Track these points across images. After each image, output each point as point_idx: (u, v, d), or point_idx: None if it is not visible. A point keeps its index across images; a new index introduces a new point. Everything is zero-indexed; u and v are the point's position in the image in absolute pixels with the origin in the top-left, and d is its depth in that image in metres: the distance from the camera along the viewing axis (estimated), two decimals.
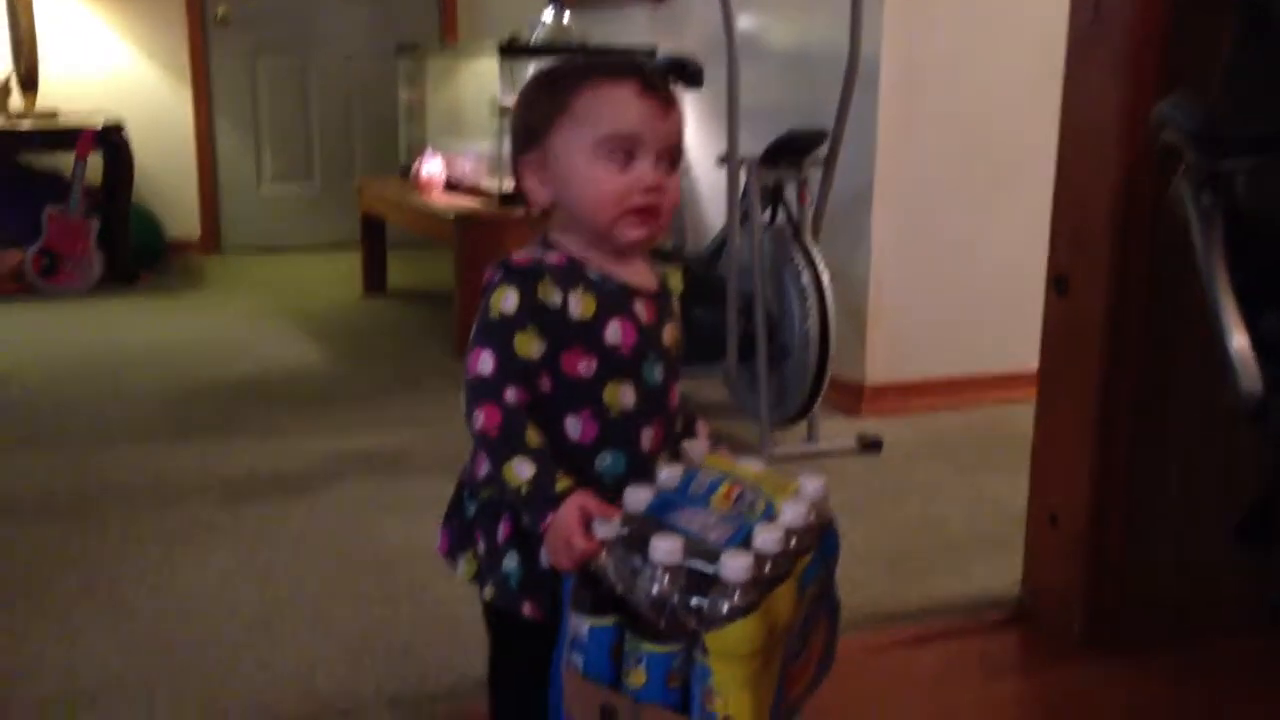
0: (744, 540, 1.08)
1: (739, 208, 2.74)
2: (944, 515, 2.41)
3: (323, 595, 1.99)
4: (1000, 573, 2.09)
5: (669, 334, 1.21)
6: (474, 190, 4.02)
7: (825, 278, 2.69)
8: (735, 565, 1.04)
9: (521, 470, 1.10)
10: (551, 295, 1.13)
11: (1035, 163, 2.21)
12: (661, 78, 1.17)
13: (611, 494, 1.14)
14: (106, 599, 1.97)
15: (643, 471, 1.18)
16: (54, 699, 1.66)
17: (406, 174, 4.44)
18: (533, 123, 1.18)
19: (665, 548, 1.06)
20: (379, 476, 2.58)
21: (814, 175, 2.79)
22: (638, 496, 1.14)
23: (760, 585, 1.06)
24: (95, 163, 4.62)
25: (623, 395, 1.16)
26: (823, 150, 2.77)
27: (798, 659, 1.15)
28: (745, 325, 2.74)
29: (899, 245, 3.06)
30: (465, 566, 1.21)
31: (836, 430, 2.91)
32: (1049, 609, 1.92)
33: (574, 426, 1.16)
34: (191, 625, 1.88)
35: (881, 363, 3.10)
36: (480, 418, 1.11)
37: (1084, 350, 1.81)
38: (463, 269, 3.64)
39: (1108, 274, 1.75)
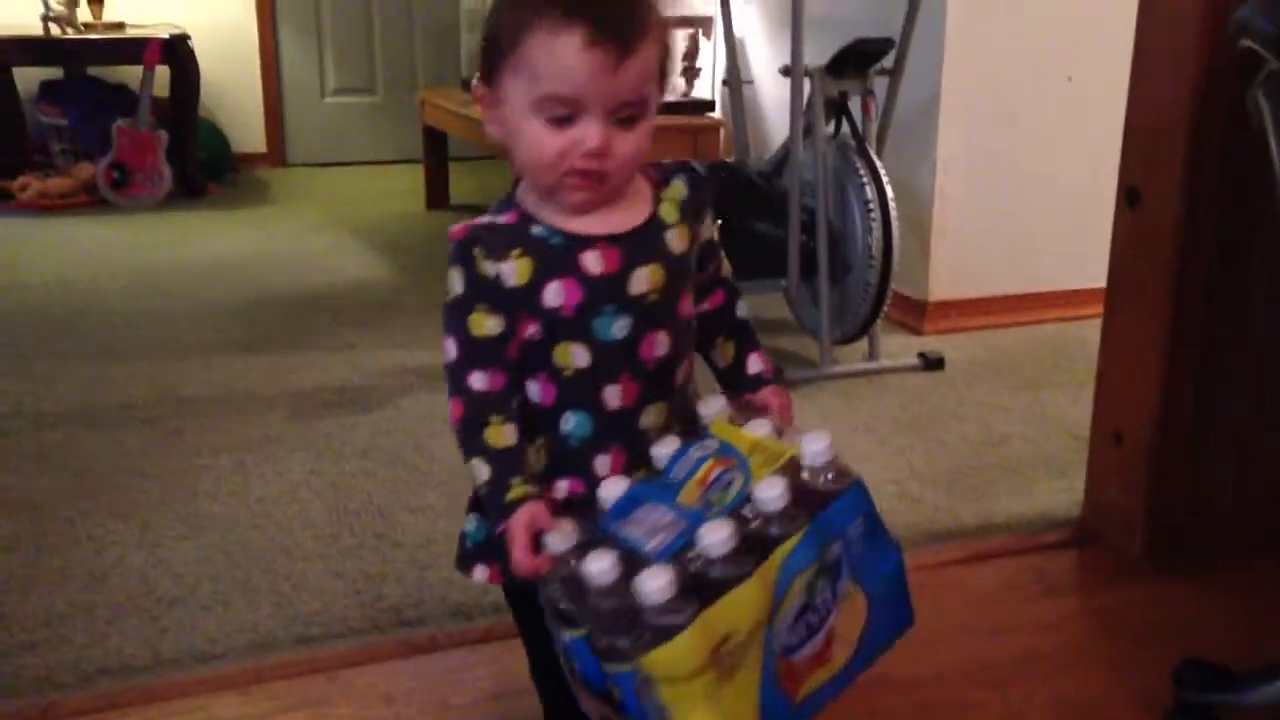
0: (685, 546, 1.00)
1: (802, 119, 2.70)
2: (1005, 434, 2.39)
3: (389, 507, 2.04)
4: (1061, 493, 2.09)
5: (643, 279, 1.09)
6: None
7: (889, 192, 2.65)
8: (649, 589, 0.96)
9: (480, 471, 1.07)
10: (486, 267, 1.07)
11: (1107, 73, 2.15)
12: (627, 16, 1.02)
13: (582, 458, 1.11)
14: (183, 507, 2.04)
15: (614, 431, 1.11)
16: (135, 602, 1.73)
17: (468, 86, 4.42)
18: (490, 49, 1.07)
19: (596, 568, 0.99)
20: (442, 390, 2.59)
21: (879, 86, 2.74)
22: (610, 491, 1.08)
23: (694, 597, 0.98)
24: (162, 76, 4.66)
25: (574, 355, 1.09)
26: (889, 60, 2.71)
27: (803, 649, 1.06)
28: (807, 241, 2.72)
29: (965, 159, 3.00)
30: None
31: (898, 347, 2.89)
32: (1111, 528, 1.92)
33: (534, 389, 1.11)
34: (265, 534, 1.94)
35: (945, 279, 3.07)
36: (450, 412, 1.09)
37: (1154, 263, 1.77)
38: None
39: (1180, 186, 1.71)
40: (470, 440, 1.08)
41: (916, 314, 3.08)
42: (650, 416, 1.12)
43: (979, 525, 1.99)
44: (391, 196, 4.87)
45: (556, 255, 1.07)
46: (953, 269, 3.06)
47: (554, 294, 1.07)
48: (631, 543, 1.02)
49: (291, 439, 2.33)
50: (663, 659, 0.97)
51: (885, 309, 2.71)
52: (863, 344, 2.80)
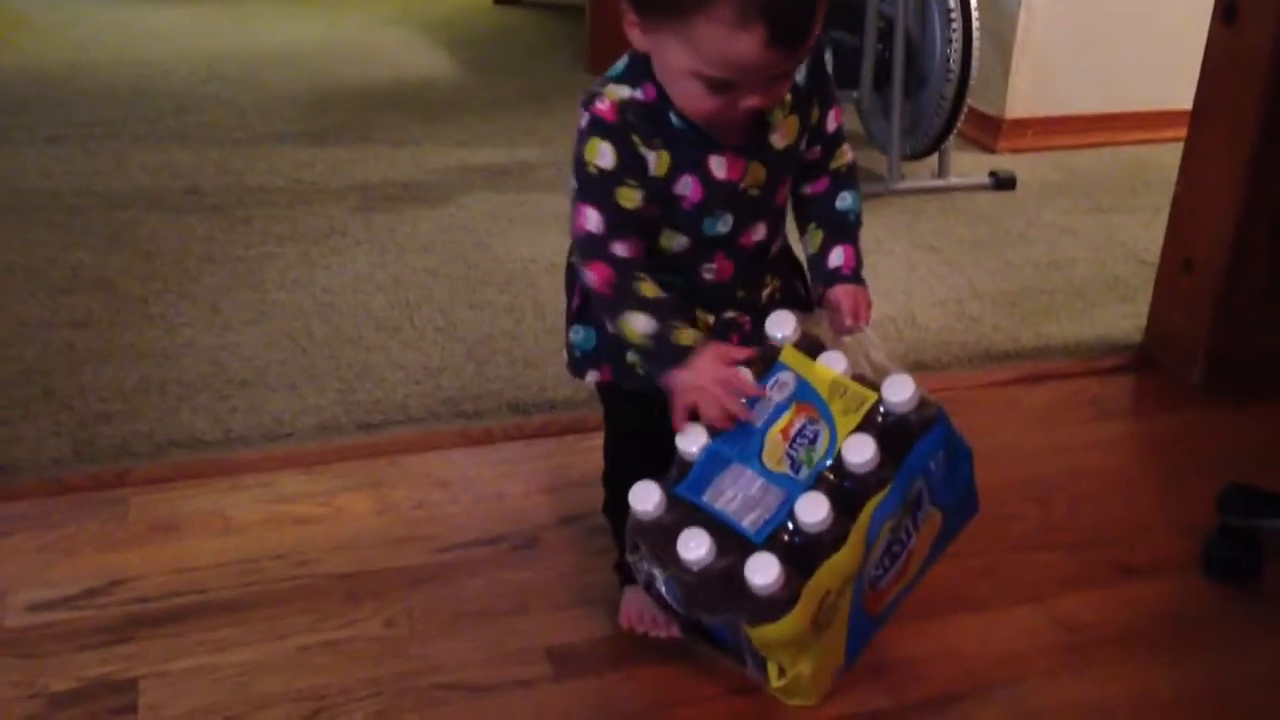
0: (784, 519, 1.03)
1: None
2: (1071, 257, 2.35)
3: (450, 303, 2.07)
4: (1124, 318, 2.06)
5: (749, 176, 1.13)
6: None
7: (973, 1, 2.54)
8: (763, 581, 0.99)
9: (638, 324, 1.10)
10: (641, 151, 1.09)
11: None
12: (807, 12, 0.99)
13: (687, 302, 1.16)
14: (250, 293, 2.08)
15: (709, 296, 1.17)
16: (205, 381, 1.79)
17: None
18: None
19: (693, 554, 1.01)
20: (505, 189, 2.61)
21: None
22: (690, 442, 1.09)
23: (796, 572, 1.01)
24: None
25: (675, 242, 1.15)
26: None
27: (887, 576, 1.11)
28: (883, 50, 2.63)
29: None
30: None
31: (970, 165, 2.82)
32: (1171, 356, 1.90)
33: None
34: (328, 323, 1.98)
35: (1024, 95, 2.96)
36: (592, 277, 1.11)
37: (1246, 85, 1.70)
38: None
39: None
40: (623, 296, 1.11)
41: (991, 131, 2.99)
42: (744, 289, 1.19)
43: (1036, 347, 1.98)
44: None
45: (689, 151, 1.10)
46: (1033, 85, 2.95)
47: (684, 185, 1.11)
48: (724, 517, 1.05)
49: (356, 231, 2.36)
50: (773, 633, 1.04)
51: (959, 125, 2.63)
52: (932, 161, 2.73)
